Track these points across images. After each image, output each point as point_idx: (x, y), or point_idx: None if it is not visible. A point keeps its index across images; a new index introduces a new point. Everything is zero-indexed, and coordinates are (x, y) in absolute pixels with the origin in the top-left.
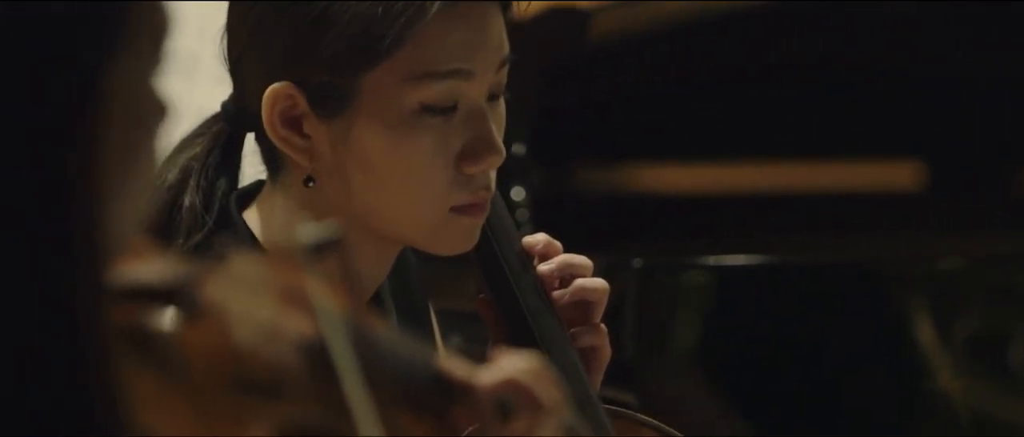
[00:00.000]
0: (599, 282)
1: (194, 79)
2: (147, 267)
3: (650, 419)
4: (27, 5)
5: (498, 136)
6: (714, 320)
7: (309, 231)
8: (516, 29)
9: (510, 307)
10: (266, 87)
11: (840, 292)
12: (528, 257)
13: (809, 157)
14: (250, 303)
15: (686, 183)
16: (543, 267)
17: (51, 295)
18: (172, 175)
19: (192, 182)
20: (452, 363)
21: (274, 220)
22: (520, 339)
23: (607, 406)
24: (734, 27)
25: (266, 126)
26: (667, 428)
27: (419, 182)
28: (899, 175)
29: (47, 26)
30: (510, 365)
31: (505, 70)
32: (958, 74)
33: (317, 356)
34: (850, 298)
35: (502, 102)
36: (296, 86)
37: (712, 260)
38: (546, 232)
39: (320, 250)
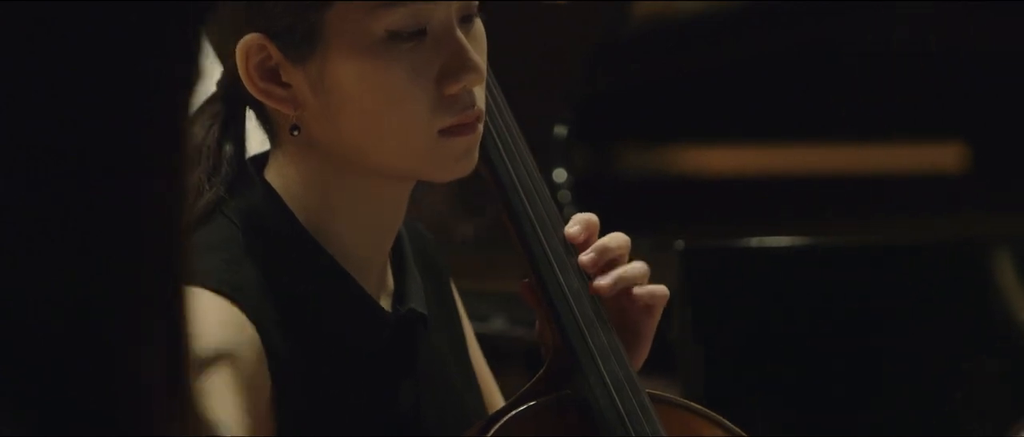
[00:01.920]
0: (638, 267)
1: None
2: None
3: (691, 403)
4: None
5: (475, 54)
6: (757, 302)
7: None
8: (558, 12)
9: (552, 290)
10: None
11: (882, 273)
12: (570, 243)
13: (852, 139)
14: None
15: (728, 165)
16: (583, 257)
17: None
18: None
19: (197, 154)
20: None
21: (284, 178)
22: (562, 322)
23: (648, 391)
24: (779, 8)
25: (245, 82)
26: (708, 411)
27: (400, 109)
28: (943, 156)
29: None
30: None
31: None
32: (1002, 54)
33: None
34: (892, 279)
35: (478, 23)
36: (266, 36)
37: (755, 242)
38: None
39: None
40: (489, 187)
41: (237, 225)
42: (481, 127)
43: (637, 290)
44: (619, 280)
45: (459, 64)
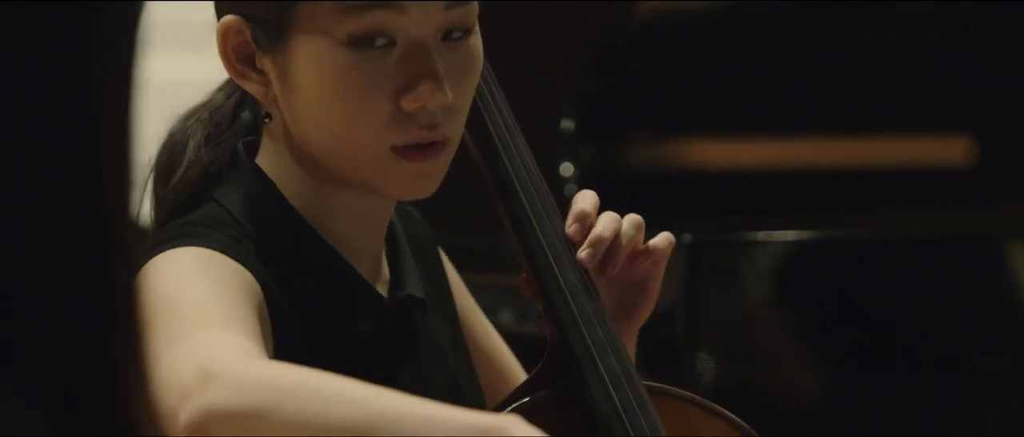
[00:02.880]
0: (628, 226)
1: (202, 53)
2: None
3: (690, 394)
4: None
5: (440, 71)
6: (764, 295)
7: None
8: (565, 5)
9: (549, 286)
10: None
11: (889, 267)
12: (567, 237)
13: (859, 132)
14: None
15: (736, 158)
16: (581, 254)
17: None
18: (180, 135)
19: (198, 138)
20: None
21: (276, 164)
22: (558, 317)
23: (647, 383)
24: (787, 1)
25: (222, 62)
26: (708, 403)
27: (353, 117)
28: (950, 150)
29: None
30: None
31: (464, 8)
32: (1009, 48)
33: None
34: (900, 273)
35: (471, 41)
36: (243, 19)
37: (761, 235)
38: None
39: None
40: (485, 182)
41: (230, 211)
42: (445, 157)
43: (640, 249)
44: (598, 244)
45: (421, 80)
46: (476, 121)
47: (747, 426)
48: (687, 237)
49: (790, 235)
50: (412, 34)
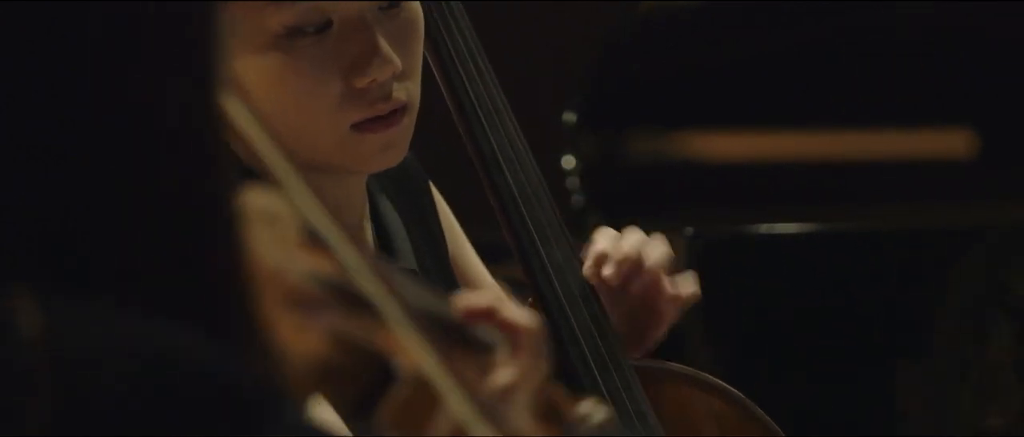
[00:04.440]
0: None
1: None
2: None
3: (682, 367)
4: None
5: (385, 45)
6: (766, 289)
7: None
8: None
9: (533, 264)
10: None
11: (891, 261)
12: (574, 251)
13: (860, 126)
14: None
15: (738, 151)
16: (606, 272)
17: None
18: None
19: None
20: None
21: None
22: (542, 297)
23: (636, 362)
24: None
25: None
26: (697, 373)
27: (307, 104)
28: (950, 143)
29: None
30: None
31: None
32: (1008, 42)
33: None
34: (901, 267)
35: (409, 7)
36: None
37: (763, 229)
38: (596, 201)
39: None
40: (471, 158)
41: None
42: (407, 120)
43: (666, 294)
44: (622, 263)
45: (368, 56)
46: (456, 95)
47: (748, 400)
48: (688, 230)
49: (790, 228)
50: (348, 12)
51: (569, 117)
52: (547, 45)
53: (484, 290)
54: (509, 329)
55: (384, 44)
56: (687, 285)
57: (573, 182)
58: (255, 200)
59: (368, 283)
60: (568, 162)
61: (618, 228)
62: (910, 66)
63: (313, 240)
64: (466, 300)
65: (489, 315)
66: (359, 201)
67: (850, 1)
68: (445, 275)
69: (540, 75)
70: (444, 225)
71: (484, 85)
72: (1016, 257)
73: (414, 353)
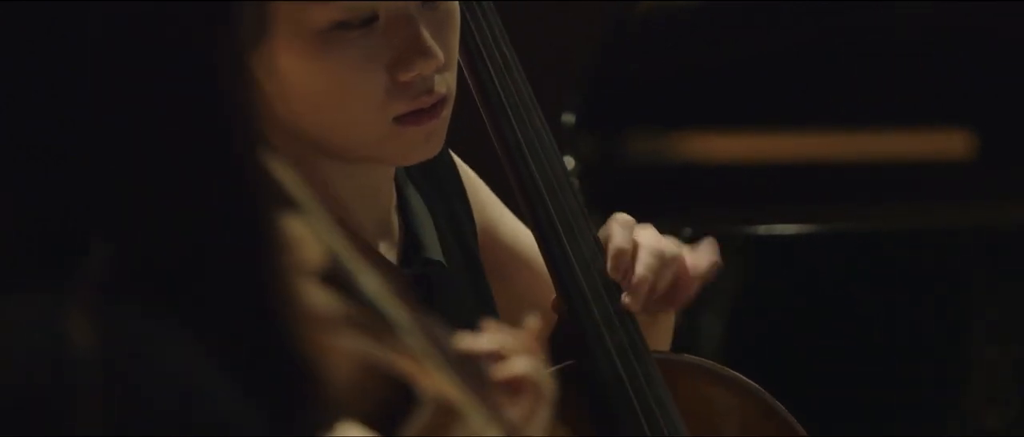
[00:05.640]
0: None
1: None
2: None
3: (702, 360)
4: None
5: (429, 39)
6: (764, 289)
7: None
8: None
9: (557, 257)
10: None
11: (890, 262)
12: (598, 245)
13: (859, 126)
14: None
15: (736, 152)
16: (625, 300)
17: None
18: None
19: None
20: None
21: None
22: (567, 290)
23: (657, 353)
24: None
25: None
26: (720, 367)
27: (351, 99)
28: (948, 144)
29: None
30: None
31: None
32: (1008, 41)
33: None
34: (900, 268)
35: (446, 7)
36: None
37: (762, 230)
38: (595, 201)
39: None
40: (496, 150)
41: None
42: (446, 111)
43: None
44: (640, 287)
45: (412, 50)
46: (484, 88)
47: (766, 393)
48: (687, 231)
49: (789, 229)
50: (393, 6)
51: (568, 118)
52: (547, 45)
53: (488, 334)
54: (506, 381)
55: (428, 38)
56: (705, 258)
57: (572, 183)
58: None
59: (390, 309)
60: (567, 162)
61: None
62: (910, 66)
63: (334, 267)
64: (469, 343)
65: (489, 358)
66: (387, 192)
67: (850, 1)
68: (471, 262)
69: (539, 75)
70: (472, 202)
71: (511, 77)
72: (1016, 257)
73: (435, 377)
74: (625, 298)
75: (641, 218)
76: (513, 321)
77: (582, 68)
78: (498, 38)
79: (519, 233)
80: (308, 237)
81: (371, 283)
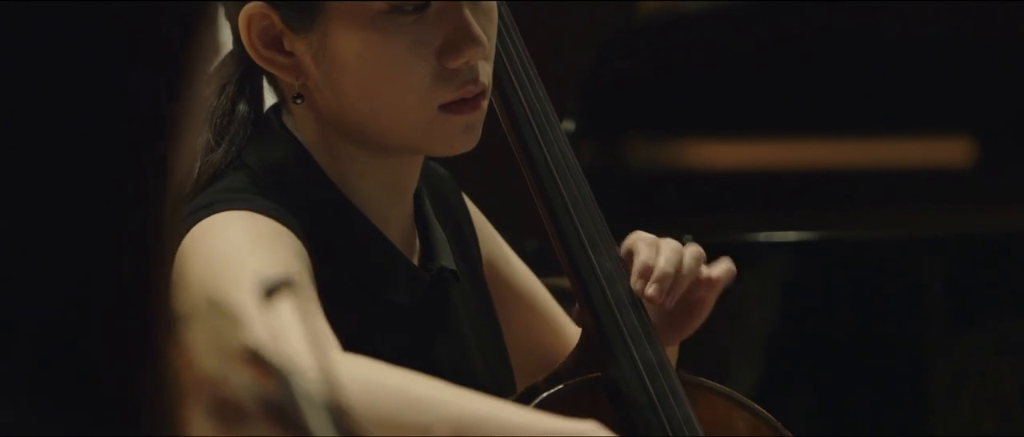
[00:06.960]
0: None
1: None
2: None
3: (725, 388)
4: None
5: (478, 28)
6: (764, 296)
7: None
8: (565, 6)
9: (583, 271)
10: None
11: (890, 268)
12: (619, 257)
13: (860, 132)
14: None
15: (737, 159)
16: (648, 290)
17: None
18: None
19: (209, 115)
20: None
21: (303, 134)
22: (592, 303)
23: (681, 374)
24: (785, 2)
25: (248, 49)
26: (742, 397)
27: (400, 83)
28: (950, 150)
29: None
30: None
31: None
32: (1009, 47)
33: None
34: (901, 274)
35: (487, 5)
36: (268, 4)
37: (762, 236)
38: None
39: (272, 293)
40: (520, 166)
41: (259, 176)
42: (485, 104)
43: (701, 278)
44: (663, 280)
45: (461, 37)
46: (509, 103)
47: (778, 422)
48: (688, 238)
49: (790, 236)
50: None
51: (567, 125)
52: (545, 52)
53: None
54: None
55: (477, 27)
56: (721, 268)
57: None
58: (204, 303)
59: (313, 410)
60: None
61: (618, 236)
62: (910, 72)
63: (259, 358)
64: None
65: None
66: (410, 198)
67: (848, 6)
68: (478, 284)
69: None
70: (480, 235)
71: (535, 93)
72: (1015, 262)
73: None
74: (649, 288)
75: (641, 225)
76: (511, 356)
77: (581, 75)
78: (522, 55)
79: (520, 271)
80: (229, 323)
81: (300, 382)
